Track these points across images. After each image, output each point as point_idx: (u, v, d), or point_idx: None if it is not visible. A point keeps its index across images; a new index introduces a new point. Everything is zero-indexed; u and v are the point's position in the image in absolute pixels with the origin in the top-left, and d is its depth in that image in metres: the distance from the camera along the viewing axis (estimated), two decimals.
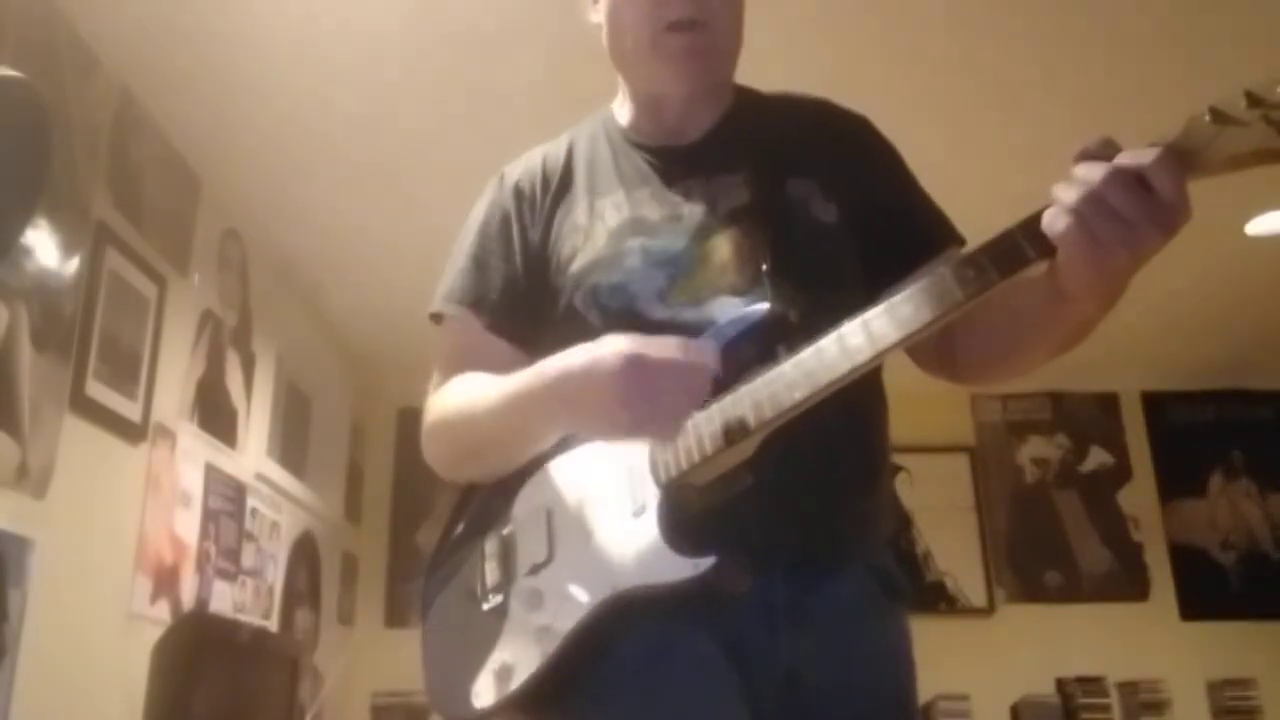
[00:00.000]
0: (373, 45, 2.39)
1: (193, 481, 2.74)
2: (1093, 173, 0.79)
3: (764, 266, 1.04)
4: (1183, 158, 0.78)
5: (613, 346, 0.93)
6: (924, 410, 4.22)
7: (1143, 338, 3.98)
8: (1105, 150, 0.81)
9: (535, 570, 1.03)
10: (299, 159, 2.82)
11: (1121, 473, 4.60)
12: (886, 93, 2.24)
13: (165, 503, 2.56)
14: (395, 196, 3.00)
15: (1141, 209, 0.77)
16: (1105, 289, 0.84)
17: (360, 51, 2.41)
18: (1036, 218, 0.83)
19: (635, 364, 0.90)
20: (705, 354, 0.93)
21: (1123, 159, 0.79)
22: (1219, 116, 0.75)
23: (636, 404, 0.90)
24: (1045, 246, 0.82)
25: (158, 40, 2.32)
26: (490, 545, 1.08)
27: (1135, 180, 0.78)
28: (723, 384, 0.95)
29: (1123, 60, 2.50)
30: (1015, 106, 2.67)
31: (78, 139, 2.24)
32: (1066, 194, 0.80)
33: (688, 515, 0.96)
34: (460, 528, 1.16)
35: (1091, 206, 0.78)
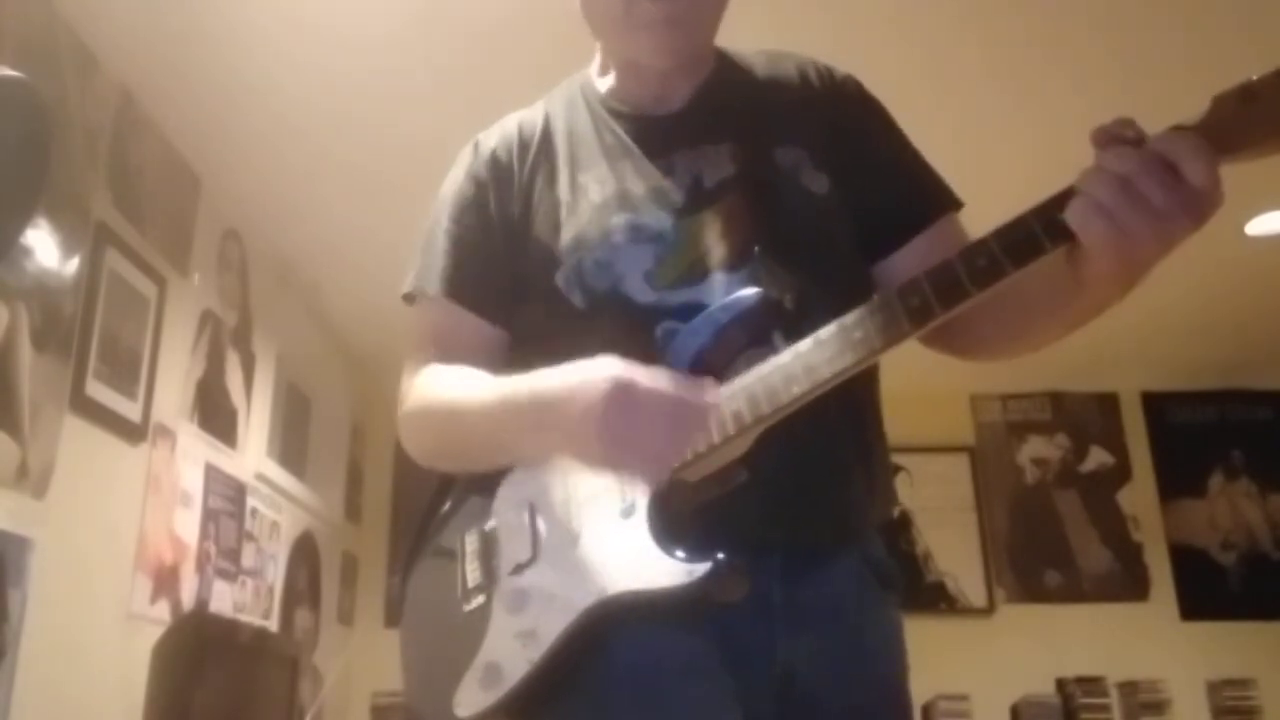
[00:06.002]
0: (374, 45, 2.39)
1: (193, 481, 2.74)
2: (1122, 162, 0.75)
3: (756, 248, 0.99)
4: (1212, 140, 0.72)
5: (603, 371, 0.86)
6: (924, 410, 4.24)
7: (1143, 338, 3.97)
8: (1124, 131, 0.76)
9: (519, 570, 0.96)
10: (299, 159, 2.82)
11: (1121, 473, 4.60)
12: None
13: (165, 503, 2.56)
14: (395, 196, 2.98)
15: (1174, 199, 0.73)
16: (1129, 278, 0.81)
17: (361, 51, 2.41)
18: (1054, 205, 0.78)
19: (621, 394, 0.84)
20: (703, 394, 0.85)
21: (1155, 145, 0.74)
22: (1248, 95, 0.71)
23: (615, 438, 0.84)
24: (1062, 235, 0.78)
25: (158, 40, 2.32)
26: (471, 541, 1.02)
27: (1168, 168, 0.73)
28: (717, 372, 0.90)
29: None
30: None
31: (78, 139, 2.24)
32: (1093, 185, 0.76)
33: (680, 514, 0.91)
34: (439, 520, 1.09)
35: (1122, 198, 0.74)
